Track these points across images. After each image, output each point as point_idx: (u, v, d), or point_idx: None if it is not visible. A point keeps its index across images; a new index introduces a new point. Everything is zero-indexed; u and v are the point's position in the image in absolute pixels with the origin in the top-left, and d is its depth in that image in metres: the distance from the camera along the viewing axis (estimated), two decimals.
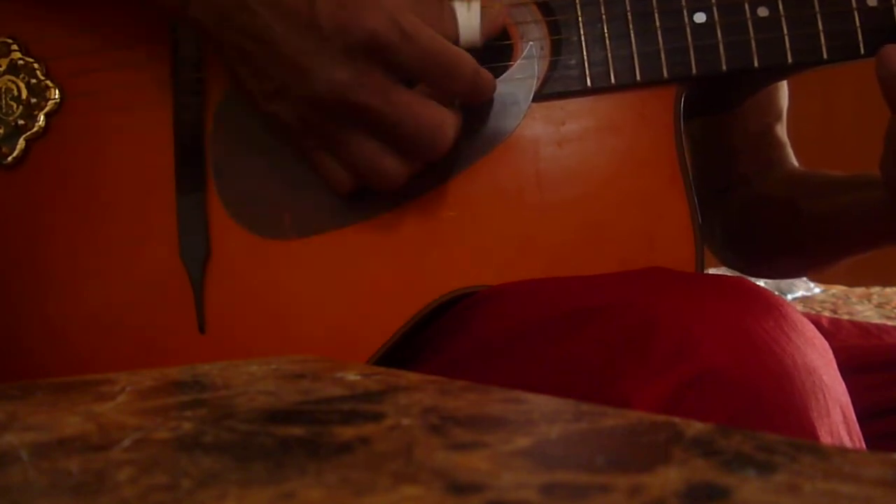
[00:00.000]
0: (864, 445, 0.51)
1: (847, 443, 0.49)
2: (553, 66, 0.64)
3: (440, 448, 0.26)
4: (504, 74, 0.63)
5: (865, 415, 0.55)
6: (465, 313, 0.62)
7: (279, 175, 0.65)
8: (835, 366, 0.52)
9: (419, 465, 0.24)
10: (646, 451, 0.26)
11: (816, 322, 0.76)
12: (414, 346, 0.64)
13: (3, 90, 0.67)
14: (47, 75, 0.67)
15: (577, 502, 0.21)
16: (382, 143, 0.59)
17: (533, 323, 0.58)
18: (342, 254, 0.64)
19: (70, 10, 0.68)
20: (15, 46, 0.67)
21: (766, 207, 0.86)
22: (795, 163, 0.91)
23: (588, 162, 0.63)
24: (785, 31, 0.62)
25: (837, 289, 1.96)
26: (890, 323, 1.27)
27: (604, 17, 0.63)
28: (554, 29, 0.64)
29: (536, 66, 0.64)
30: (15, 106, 0.66)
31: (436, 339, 0.63)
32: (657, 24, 0.63)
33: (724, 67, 0.63)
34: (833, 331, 0.78)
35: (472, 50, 0.60)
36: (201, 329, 0.64)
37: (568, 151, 0.63)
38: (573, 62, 0.64)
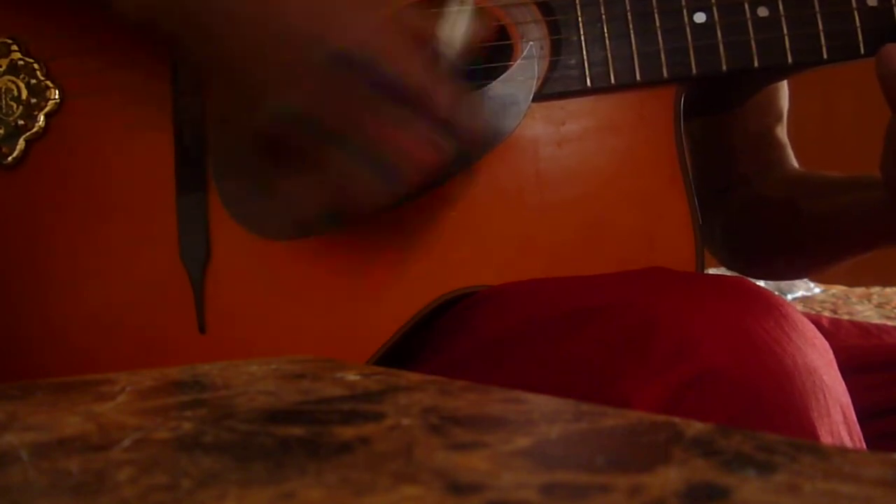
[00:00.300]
0: (864, 445, 0.51)
1: (847, 443, 0.49)
2: (553, 66, 0.64)
3: (440, 448, 0.26)
4: (504, 74, 0.63)
5: (865, 415, 0.55)
6: (465, 313, 0.62)
7: (279, 174, 0.64)
8: (835, 366, 0.52)
9: (419, 465, 0.24)
10: (646, 451, 0.26)
11: (816, 322, 0.76)
12: (414, 346, 0.64)
13: (3, 90, 0.67)
14: (47, 76, 0.67)
15: (577, 502, 0.21)
16: (356, 162, 0.56)
17: (533, 323, 0.58)
18: (342, 254, 0.64)
19: (70, 10, 0.67)
20: (15, 47, 0.67)
21: (766, 208, 0.86)
22: (795, 163, 0.91)
23: (588, 162, 0.63)
24: (785, 31, 0.62)
25: (837, 289, 1.96)
26: (890, 323, 1.27)
27: (604, 17, 0.63)
28: (554, 29, 0.64)
29: (536, 67, 0.64)
30: (15, 106, 0.66)
31: (436, 339, 0.63)
32: (657, 24, 0.63)
33: (724, 67, 0.63)
34: (833, 331, 0.78)
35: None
36: (201, 329, 0.64)
37: (568, 151, 0.63)
38: (573, 62, 0.64)
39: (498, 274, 0.62)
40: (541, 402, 0.33)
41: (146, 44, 0.66)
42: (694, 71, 0.63)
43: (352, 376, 0.38)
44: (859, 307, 1.81)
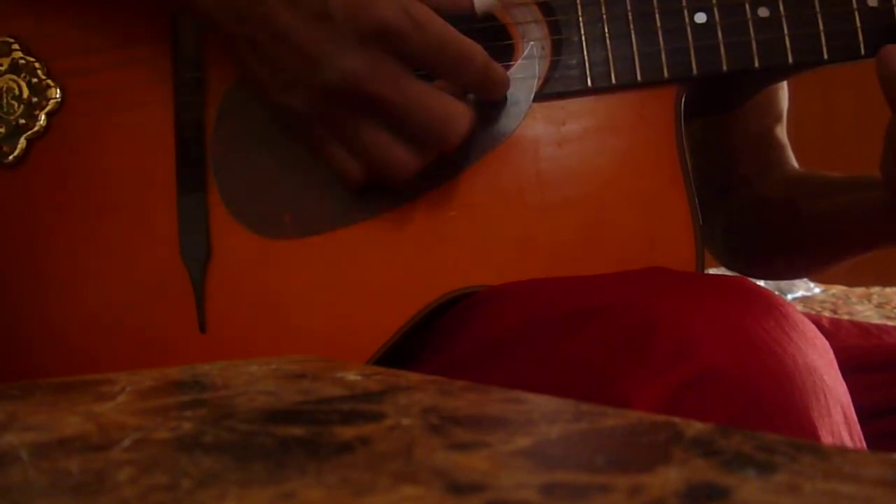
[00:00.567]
0: (864, 445, 0.51)
1: (848, 443, 0.49)
2: (554, 66, 0.64)
3: (440, 448, 0.26)
4: None
5: (865, 415, 0.55)
6: (465, 313, 0.62)
7: (280, 174, 0.65)
8: (836, 366, 0.52)
9: (419, 465, 0.24)
10: (646, 451, 0.26)
11: (816, 322, 0.76)
12: (414, 346, 0.64)
13: (4, 89, 0.67)
14: (48, 74, 0.67)
15: (577, 502, 0.21)
16: (394, 133, 0.59)
17: (533, 323, 0.58)
18: (342, 254, 0.64)
19: (71, 9, 0.68)
20: (16, 46, 0.67)
21: (766, 208, 0.86)
22: (795, 164, 0.91)
23: (588, 162, 0.63)
24: (785, 31, 0.62)
25: (837, 289, 1.96)
26: (890, 323, 1.27)
27: (604, 17, 0.63)
28: (555, 29, 0.64)
29: (537, 67, 0.64)
30: (16, 105, 0.66)
31: (436, 339, 0.63)
32: (658, 24, 0.63)
33: (724, 68, 0.63)
34: (833, 331, 0.78)
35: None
36: (202, 329, 0.64)
37: (568, 151, 0.63)
38: (574, 62, 0.64)
39: (498, 274, 0.62)
40: (541, 402, 0.33)
41: (147, 42, 0.66)
42: (694, 71, 0.63)
43: (352, 376, 0.38)
44: (859, 307, 1.81)
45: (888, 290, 1.92)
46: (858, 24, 0.62)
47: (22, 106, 0.66)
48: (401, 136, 0.59)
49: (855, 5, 0.62)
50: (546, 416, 0.31)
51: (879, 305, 1.82)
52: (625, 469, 0.24)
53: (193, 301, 0.64)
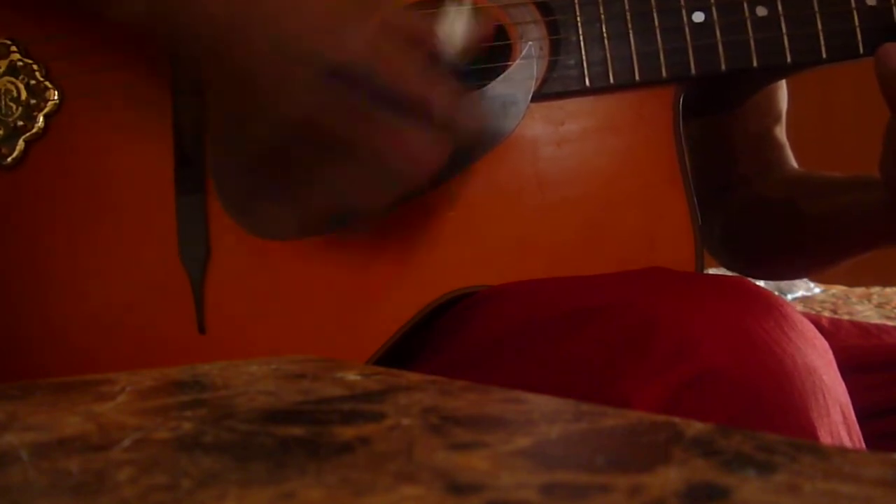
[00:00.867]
0: (864, 445, 0.51)
1: (847, 443, 0.49)
2: (552, 66, 0.64)
3: (440, 448, 0.26)
4: (503, 75, 0.63)
5: (865, 415, 0.55)
6: (465, 313, 0.62)
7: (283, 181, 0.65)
8: (835, 366, 0.52)
9: (419, 465, 0.24)
10: (646, 451, 0.26)
11: (816, 322, 0.76)
12: (414, 346, 0.64)
13: (2, 91, 0.67)
14: (47, 76, 0.67)
15: (577, 502, 0.21)
16: (359, 167, 0.56)
17: (533, 323, 0.58)
18: (342, 254, 0.64)
19: (69, 12, 0.67)
20: (14, 48, 0.67)
21: (765, 208, 0.86)
22: (795, 164, 0.91)
23: (588, 162, 0.63)
24: (784, 30, 0.62)
25: (837, 289, 1.96)
26: (890, 323, 1.27)
27: (602, 16, 0.63)
28: (553, 29, 0.64)
29: (535, 67, 0.64)
30: (14, 107, 0.66)
31: (436, 339, 0.63)
32: (656, 23, 0.63)
33: (723, 67, 0.63)
34: (833, 331, 0.78)
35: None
36: (201, 329, 0.64)
37: (567, 151, 0.63)
38: (572, 62, 0.64)
39: (498, 274, 0.62)
40: (541, 402, 0.33)
41: (143, 46, 0.66)
42: (693, 71, 0.63)
43: (352, 376, 0.38)
44: (859, 307, 1.81)
45: (888, 290, 1.92)
46: (857, 23, 0.62)
47: (20, 108, 0.66)
48: (367, 171, 0.56)
49: (853, 4, 0.62)
50: (546, 416, 0.31)
51: (879, 305, 1.82)
52: (625, 469, 0.24)
53: (193, 301, 0.64)
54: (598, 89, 0.63)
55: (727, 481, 0.22)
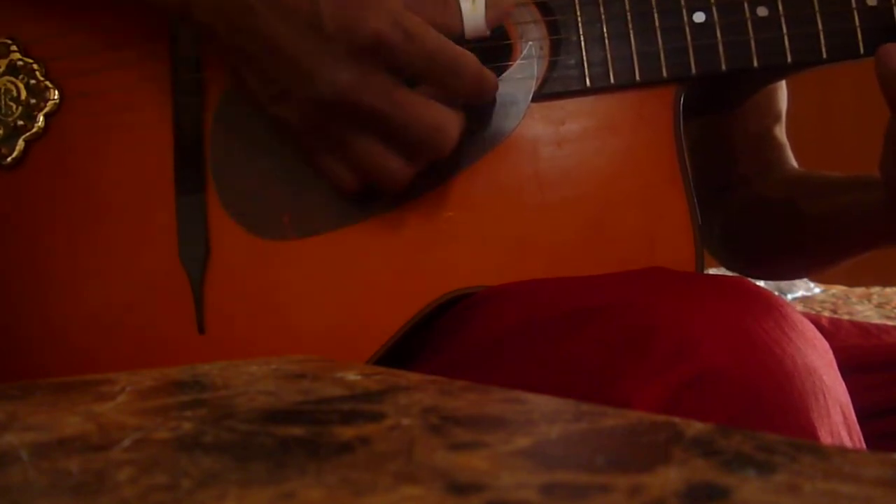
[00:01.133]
0: (864, 445, 0.51)
1: (847, 443, 0.49)
2: (552, 66, 0.64)
3: (440, 448, 0.26)
4: (503, 75, 0.63)
5: (865, 415, 0.55)
6: (465, 313, 0.62)
7: (279, 175, 0.65)
8: (835, 366, 0.52)
9: (419, 465, 0.24)
10: (646, 451, 0.26)
11: (816, 322, 0.76)
12: (414, 346, 0.64)
13: (2, 91, 0.67)
14: (46, 76, 0.67)
15: (577, 502, 0.21)
16: (386, 143, 0.59)
17: (533, 323, 0.58)
18: (342, 254, 0.64)
19: (69, 10, 0.67)
20: (14, 47, 0.67)
21: (766, 208, 0.86)
22: (795, 164, 0.91)
23: (588, 162, 0.63)
24: (784, 30, 0.62)
25: (837, 289, 1.96)
26: (890, 323, 1.27)
27: (603, 16, 0.63)
28: (553, 29, 0.64)
29: (536, 67, 0.64)
30: (14, 107, 0.66)
31: (436, 339, 0.63)
32: (656, 23, 0.63)
33: (723, 67, 0.63)
34: (833, 331, 0.78)
35: (474, 49, 0.60)
36: (201, 329, 0.64)
37: (567, 151, 0.63)
38: (572, 62, 0.64)
39: (498, 274, 0.62)
40: (541, 402, 0.33)
41: (145, 43, 0.66)
42: (693, 70, 0.63)
43: (352, 376, 0.38)
44: (859, 307, 1.81)
45: (888, 290, 1.92)
46: (857, 23, 0.62)
47: (20, 107, 0.66)
48: (393, 145, 0.59)
49: (854, 4, 0.62)
50: (546, 416, 0.31)
51: (879, 305, 1.82)
52: (625, 469, 0.24)
53: (192, 301, 0.64)
54: (599, 89, 0.63)
55: (727, 481, 0.22)
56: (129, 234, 0.65)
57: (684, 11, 0.63)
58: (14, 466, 0.25)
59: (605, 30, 0.63)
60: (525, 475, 0.23)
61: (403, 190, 0.61)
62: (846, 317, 1.64)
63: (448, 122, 0.59)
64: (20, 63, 0.67)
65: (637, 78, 0.63)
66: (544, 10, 0.64)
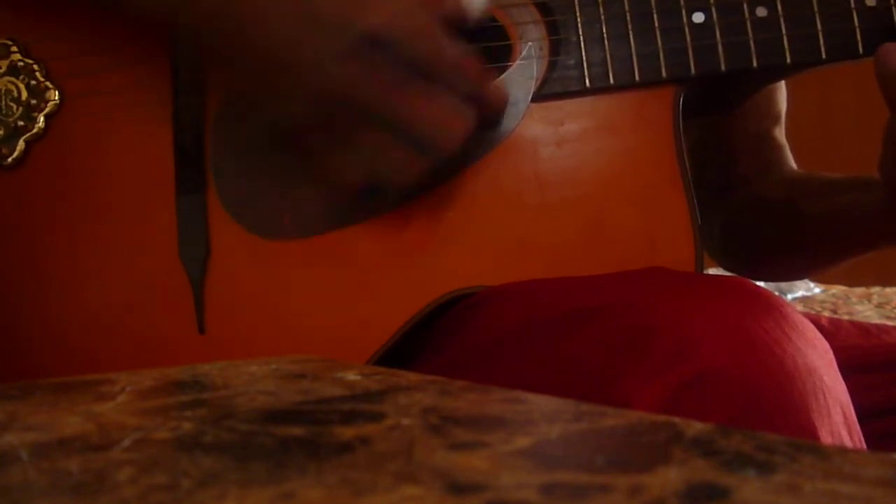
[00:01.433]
0: (864, 445, 0.51)
1: (848, 443, 0.49)
2: (552, 66, 0.64)
3: (440, 448, 0.26)
4: (503, 75, 0.63)
5: (865, 415, 0.55)
6: (465, 313, 0.62)
7: (279, 175, 0.65)
8: (835, 366, 0.52)
9: (419, 465, 0.24)
10: (646, 451, 0.26)
11: (816, 322, 0.76)
12: (414, 346, 0.64)
13: (2, 91, 0.67)
14: (47, 76, 0.67)
15: (577, 502, 0.21)
16: (392, 138, 0.59)
17: (533, 323, 0.58)
18: (342, 254, 0.64)
19: (70, 11, 0.67)
20: (15, 48, 0.67)
21: (765, 209, 0.86)
22: (794, 165, 0.91)
23: (587, 162, 0.63)
24: (784, 31, 0.62)
25: (837, 289, 1.96)
26: (890, 323, 1.27)
27: (602, 17, 0.63)
28: (553, 29, 0.64)
29: (535, 67, 0.64)
30: (14, 107, 0.66)
31: (436, 339, 0.63)
32: (656, 24, 0.63)
33: (722, 68, 0.63)
34: (833, 331, 0.78)
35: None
36: (201, 329, 0.64)
37: (567, 152, 0.63)
38: (572, 62, 0.64)
39: (498, 274, 0.62)
40: (541, 402, 0.33)
41: (145, 43, 0.66)
42: (693, 71, 0.63)
43: (352, 376, 0.38)
44: (859, 307, 1.81)
45: (888, 290, 1.92)
46: (856, 23, 0.62)
47: (20, 108, 0.66)
48: (399, 141, 0.59)
49: (853, 5, 0.62)
50: (546, 416, 0.31)
51: (879, 305, 1.82)
52: (625, 469, 0.24)
53: (193, 301, 0.64)
54: (598, 90, 0.63)
55: (727, 481, 0.22)
56: (130, 234, 0.65)
57: (684, 12, 0.63)
58: (14, 466, 0.25)
59: (604, 30, 0.63)
60: (525, 475, 0.23)
61: (409, 187, 0.61)
62: (846, 317, 1.64)
63: (454, 117, 0.58)
64: (21, 64, 0.67)
65: (637, 78, 0.63)
66: (544, 10, 0.64)
